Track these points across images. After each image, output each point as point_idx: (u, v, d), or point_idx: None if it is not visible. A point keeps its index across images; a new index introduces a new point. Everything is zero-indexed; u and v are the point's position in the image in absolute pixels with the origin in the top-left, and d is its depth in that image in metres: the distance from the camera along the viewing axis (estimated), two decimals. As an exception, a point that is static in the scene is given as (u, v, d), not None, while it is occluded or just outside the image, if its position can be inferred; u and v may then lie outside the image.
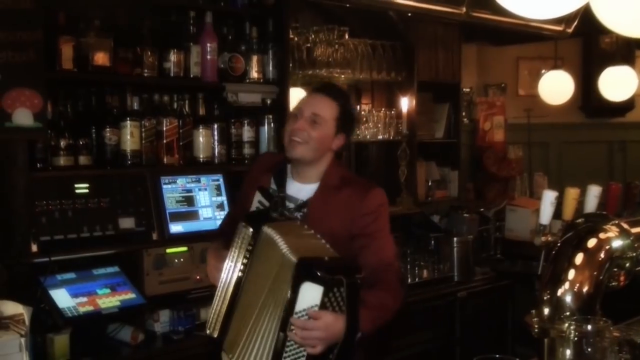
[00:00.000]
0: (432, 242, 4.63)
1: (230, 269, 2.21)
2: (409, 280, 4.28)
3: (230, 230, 2.31)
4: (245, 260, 2.17)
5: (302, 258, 1.97)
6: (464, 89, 5.59)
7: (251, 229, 2.16)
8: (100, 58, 3.25)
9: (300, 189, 2.39)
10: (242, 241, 2.19)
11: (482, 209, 5.14)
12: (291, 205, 2.37)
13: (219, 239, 2.45)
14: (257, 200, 2.32)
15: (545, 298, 1.81)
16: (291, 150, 2.34)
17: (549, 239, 2.16)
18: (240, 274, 2.18)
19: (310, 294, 1.97)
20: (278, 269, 2.03)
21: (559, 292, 1.78)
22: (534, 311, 1.83)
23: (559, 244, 1.88)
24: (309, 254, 2.00)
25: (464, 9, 3.91)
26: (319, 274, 1.95)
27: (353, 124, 2.50)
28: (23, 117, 2.98)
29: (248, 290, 2.16)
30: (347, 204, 2.34)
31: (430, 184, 5.10)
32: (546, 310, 1.79)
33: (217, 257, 2.32)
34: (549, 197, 2.25)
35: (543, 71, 5.59)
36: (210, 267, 2.35)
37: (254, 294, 2.12)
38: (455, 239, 4.54)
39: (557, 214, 2.27)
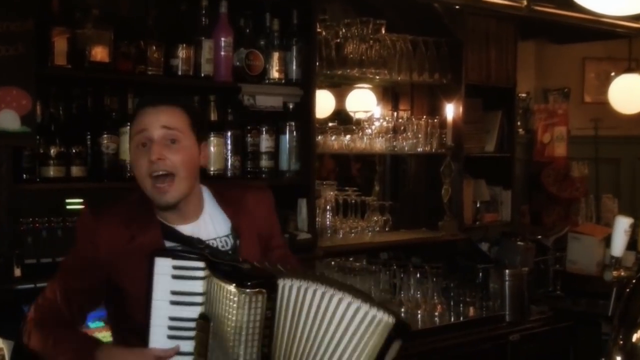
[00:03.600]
0: (480, 274, 4.62)
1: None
2: (451, 319, 4.28)
3: (84, 315, 2.26)
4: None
5: (398, 319, 2.18)
6: (520, 95, 5.60)
7: (259, 290, 2.06)
8: (99, 53, 3.30)
9: (193, 233, 2.26)
10: (243, 313, 2.04)
11: (539, 237, 5.11)
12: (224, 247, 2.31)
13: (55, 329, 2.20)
14: (173, 266, 2.11)
15: (617, 344, 1.81)
16: (162, 196, 2.17)
17: (622, 273, 2.17)
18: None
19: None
20: (342, 328, 2.13)
21: (635, 337, 1.78)
22: None
23: (634, 281, 1.88)
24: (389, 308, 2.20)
25: (525, 2, 3.93)
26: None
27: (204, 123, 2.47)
28: (8, 119, 3.03)
29: None
30: (261, 213, 2.40)
31: (478, 205, 5.09)
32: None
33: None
34: (622, 225, 2.26)
35: (614, 74, 5.58)
36: None
37: None
38: (507, 271, 4.51)
39: (631, 244, 2.27)
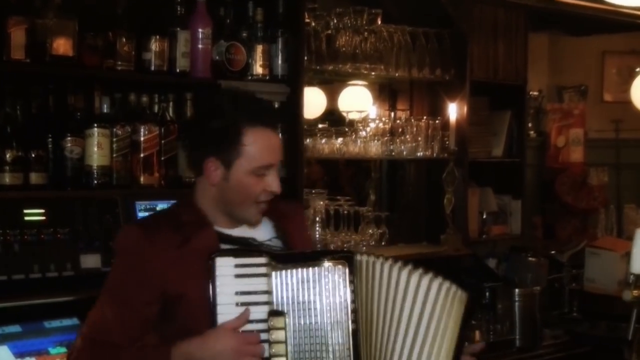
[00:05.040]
0: (487, 294, 4.63)
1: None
2: (456, 344, 4.30)
3: (139, 339, 2.33)
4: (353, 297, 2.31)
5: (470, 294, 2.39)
6: (531, 93, 5.65)
7: (341, 262, 2.31)
8: (61, 46, 3.31)
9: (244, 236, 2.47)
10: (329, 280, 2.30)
11: (553, 252, 5.13)
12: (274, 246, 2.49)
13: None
14: (235, 265, 2.29)
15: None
16: (258, 217, 2.45)
17: (644, 293, 2.19)
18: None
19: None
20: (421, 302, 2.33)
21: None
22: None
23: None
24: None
25: (538, -9, 3.94)
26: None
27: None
28: (-42, 120, 3.05)
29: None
30: (298, 224, 2.65)
31: (485, 217, 5.12)
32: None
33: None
34: (644, 239, 2.29)
35: (638, 69, 5.59)
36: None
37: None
38: (517, 290, 4.53)
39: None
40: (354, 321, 2.30)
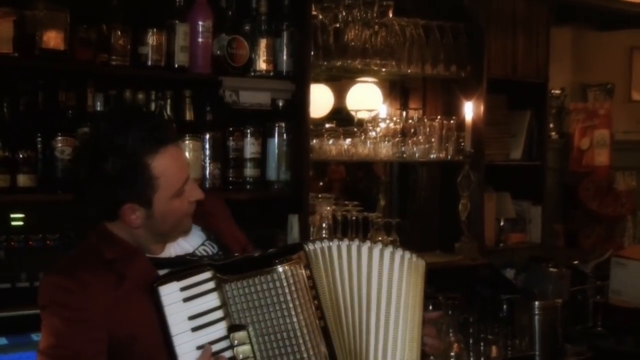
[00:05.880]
0: (505, 306, 4.64)
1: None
2: (471, 360, 4.32)
3: None
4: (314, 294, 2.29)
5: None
6: (553, 91, 5.64)
7: (293, 260, 2.26)
8: (52, 39, 3.31)
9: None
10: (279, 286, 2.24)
11: (576, 262, 5.14)
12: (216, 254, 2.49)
13: None
14: (180, 288, 2.25)
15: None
16: (190, 222, 2.43)
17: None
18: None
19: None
20: (384, 279, 2.36)
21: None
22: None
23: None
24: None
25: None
26: None
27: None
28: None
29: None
30: (222, 215, 2.66)
31: (502, 224, 5.12)
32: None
33: None
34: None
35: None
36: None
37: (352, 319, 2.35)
38: (536, 303, 4.54)
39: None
40: (321, 318, 2.26)
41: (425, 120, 4.80)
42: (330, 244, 2.33)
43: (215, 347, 2.21)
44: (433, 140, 4.74)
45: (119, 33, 3.49)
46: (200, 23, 3.70)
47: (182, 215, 2.35)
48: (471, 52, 4.83)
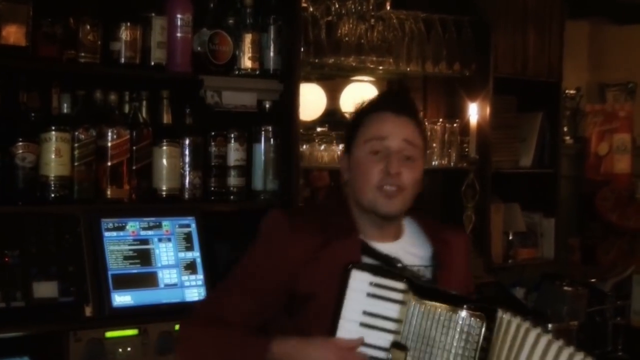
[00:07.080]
0: (514, 328, 4.62)
1: None
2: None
3: (254, 323, 2.47)
4: None
5: None
6: (568, 91, 5.65)
7: (479, 314, 2.38)
8: (12, 34, 3.29)
9: (390, 253, 2.56)
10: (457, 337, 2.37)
11: (593, 280, 5.14)
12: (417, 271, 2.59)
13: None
14: (370, 283, 2.41)
15: None
16: (387, 205, 2.51)
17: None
18: None
19: None
20: None
21: None
22: None
23: None
24: None
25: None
26: None
27: None
28: None
29: None
30: (462, 258, 2.71)
31: (511, 238, 5.12)
32: None
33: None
34: None
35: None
36: None
37: None
38: (549, 325, 4.53)
39: None
40: None
41: (426, 123, 4.75)
42: (525, 325, 2.40)
43: (371, 352, 2.35)
44: (434, 145, 4.75)
45: (88, 27, 3.47)
46: (178, 16, 3.68)
47: (369, 184, 2.49)
48: (476, 48, 4.83)
